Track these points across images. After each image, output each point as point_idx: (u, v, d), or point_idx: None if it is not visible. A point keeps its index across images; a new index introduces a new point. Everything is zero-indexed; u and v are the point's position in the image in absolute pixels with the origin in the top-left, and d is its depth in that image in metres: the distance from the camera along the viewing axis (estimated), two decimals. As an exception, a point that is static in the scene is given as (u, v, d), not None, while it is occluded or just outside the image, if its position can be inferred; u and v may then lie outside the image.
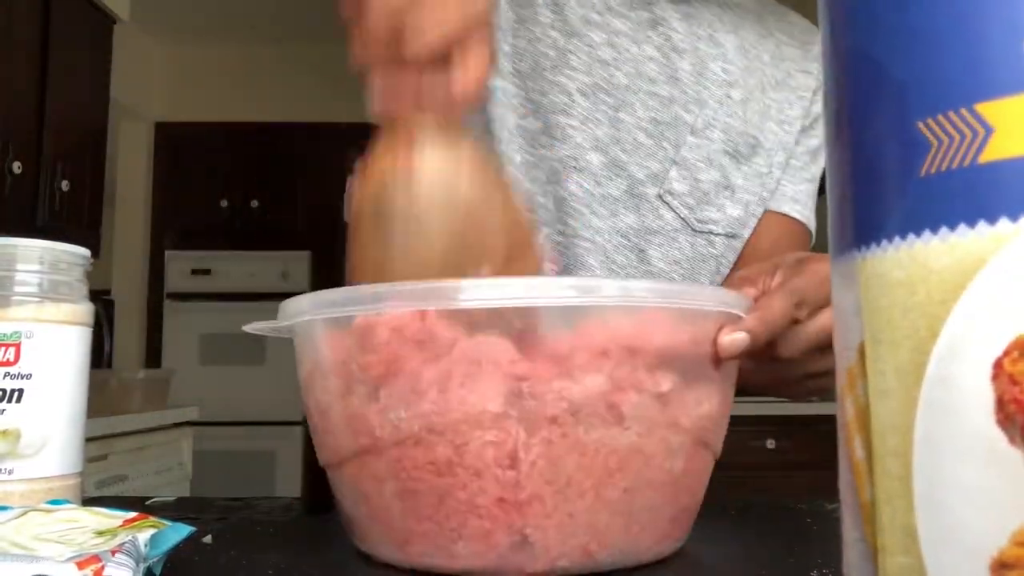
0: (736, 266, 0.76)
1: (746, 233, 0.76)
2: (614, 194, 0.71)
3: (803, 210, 0.79)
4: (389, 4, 0.42)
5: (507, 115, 0.71)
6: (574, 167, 0.71)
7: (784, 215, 0.78)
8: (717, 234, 0.74)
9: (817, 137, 0.80)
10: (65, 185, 2.48)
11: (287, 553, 0.43)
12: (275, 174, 3.96)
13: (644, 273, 0.72)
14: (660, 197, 0.72)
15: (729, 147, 0.74)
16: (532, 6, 0.73)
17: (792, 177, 0.78)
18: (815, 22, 0.19)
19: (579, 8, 0.73)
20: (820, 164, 0.80)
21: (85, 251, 0.51)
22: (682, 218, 0.72)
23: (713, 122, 0.73)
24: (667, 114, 0.72)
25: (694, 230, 0.73)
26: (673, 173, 0.72)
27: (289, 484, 3.67)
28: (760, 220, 0.77)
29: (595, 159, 0.71)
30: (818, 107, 0.79)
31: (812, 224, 0.81)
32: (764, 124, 0.76)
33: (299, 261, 3.87)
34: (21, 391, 0.46)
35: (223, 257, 3.84)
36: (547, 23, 0.72)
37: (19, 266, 0.47)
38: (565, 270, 0.70)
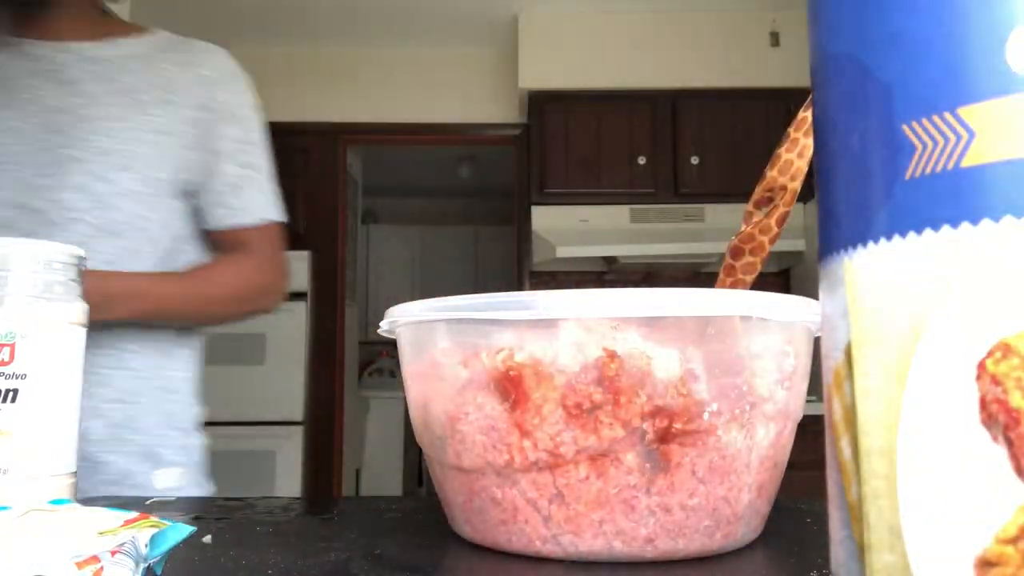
0: None
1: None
2: None
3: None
4: None
5: None
6: None
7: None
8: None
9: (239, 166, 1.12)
10: (65, 186, 2.48)
11: (287, 553, 0.43)
12: (275, 174, 3.95)
13: None
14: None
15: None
16: None
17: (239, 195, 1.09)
18: (804, 24, 0.19)
19: None
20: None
21: (79, 251, 0.51)
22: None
23: None
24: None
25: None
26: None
27: (289, 484, 3.67)
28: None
29: None
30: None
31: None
32: None
33: (299, 261, 3.87)
34: (16, 391, 0.46)
35: (223, 257, 3.83)
36: None
37: (13, 266, 0.47)
38: None
